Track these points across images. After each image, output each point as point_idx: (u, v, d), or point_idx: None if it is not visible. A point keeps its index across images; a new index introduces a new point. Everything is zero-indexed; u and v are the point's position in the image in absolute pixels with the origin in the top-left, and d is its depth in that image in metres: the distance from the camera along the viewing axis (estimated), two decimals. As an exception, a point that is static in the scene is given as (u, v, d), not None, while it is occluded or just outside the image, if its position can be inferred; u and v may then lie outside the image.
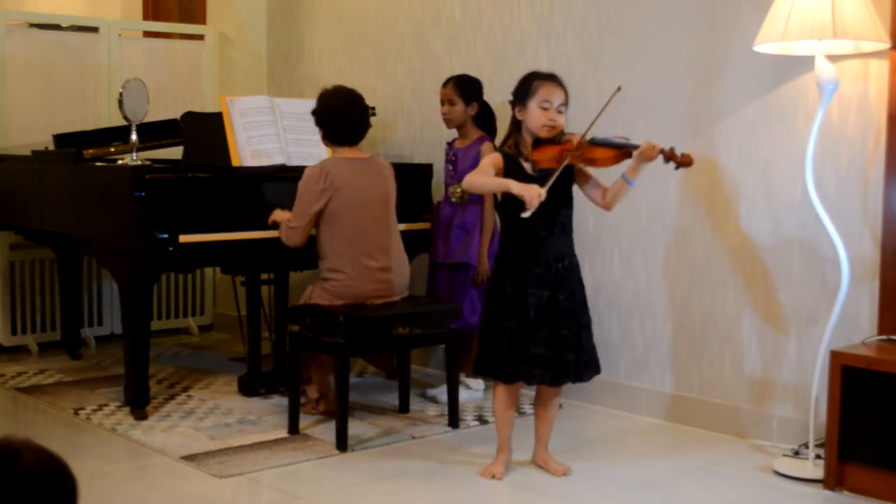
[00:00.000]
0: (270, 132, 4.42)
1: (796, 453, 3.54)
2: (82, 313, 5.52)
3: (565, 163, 3.19)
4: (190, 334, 5.96)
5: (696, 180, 3.98)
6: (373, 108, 4.40)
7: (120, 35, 5.62)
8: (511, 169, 3.30)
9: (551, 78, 3.32)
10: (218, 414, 4.14)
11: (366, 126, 3.98)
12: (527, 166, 3.30)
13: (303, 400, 4.02)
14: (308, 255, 4.01)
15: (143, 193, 3.91)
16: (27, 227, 4.96)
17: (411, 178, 4.65)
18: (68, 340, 5.31)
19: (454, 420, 3.98)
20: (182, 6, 6.75)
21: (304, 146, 4.47)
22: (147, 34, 6.03)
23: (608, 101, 3.21)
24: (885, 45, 3.37)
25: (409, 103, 5.19)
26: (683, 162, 3.17)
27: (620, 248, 4.27)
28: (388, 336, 3.91)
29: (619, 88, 3.24)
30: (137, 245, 3.90)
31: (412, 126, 5.18)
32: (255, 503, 3.33)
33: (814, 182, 3.40)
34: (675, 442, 3.89)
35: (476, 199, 4.33)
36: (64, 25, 5.89)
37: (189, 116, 4.42)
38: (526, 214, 3.12)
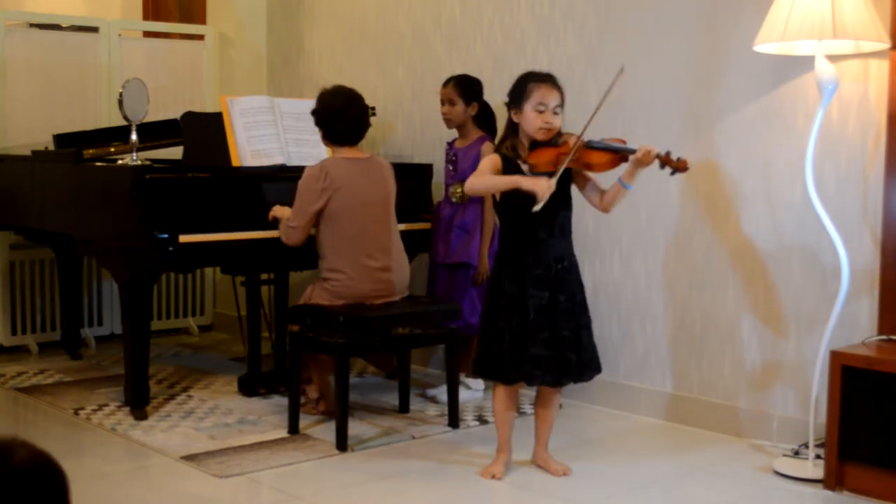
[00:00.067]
0: (270, 132, 4.42)
1: (796, 453, 3.54)
2: (82, 313, 5.52)
3: (562, 167, 3.19)
4: (190, 334, 5.96)
5: (696, 180, 3.98)
6: (373, 108, 4.40)
7: (120, 35, 5.62)
8: (509, 171, 3.29)
9: (546, 79, 3.31)
10: (218, 414, 4.14)
11: (365, 126, 3.98)
12: (525, 168, 3.30)
13: (303, 400, 4.02)
14: (308, 255, 4.01)
15: (143, 193, 3.91)
16: (27, 227, 4.96)
17: (411, 178, 4.65)
18: (68, 340, 5.31)
19: (454, 420, 3.98)
20: (182, 6, 6.75)
21: (304, 146, 4.47)
22: (147, 34, 6.03)
23: (612, 82, 3.20)
24: (885, 45, 3.37)
25: (409, 103, 5.19)
26: (679, 167, 3.18)
27: (620, 249, 4.27)
28: (388, 336, 3.91)
29: (622, 69, 3.22)
30: (137, 245, 3.91)
31: (412, 126, 5.18)
32: (255, 503, 3.33)
33: (814, 182, 3.40)
34: (674, 442, 3.89)
35: (476, 199, 4.32)
36: (64, 25, 5.90)
37: (189, 116, 4.42)
38: (537, 208, 3.13)
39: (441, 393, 4.25)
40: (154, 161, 4.52)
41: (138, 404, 4.07)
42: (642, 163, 3.20)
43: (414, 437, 3.85)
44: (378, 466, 3.52)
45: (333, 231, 3.85)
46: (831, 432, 3.28)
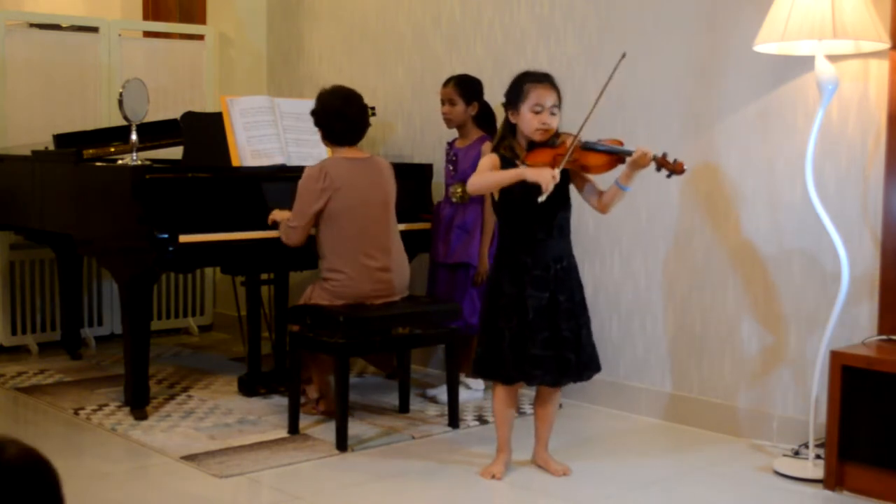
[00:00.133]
0: (270, 132, 4.42)
1: (796, 453, 3.54)
2: (82, 313, 5.52)
3: (559, 168, 3.19)
4: (190, 334, 5.96)
5: (696, 180, 3.98)
6: (373, 108, 4.40)
7: (120, 35, 5.62)
8: (508, 171, 3.30)
9: (542, 79, 3.30)
10: (218, 414, 4.14)
11: (365, 126, 3.98)
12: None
13: (303, 400, 4.02)
14: (308, 255, 4.01)
15: (143, 193, 3.91)
16: (27, 227, 4.96)
17: (411, 178, 4.65)
18: (68, 340, 5.31)
19: (454, 420, 3.98)
20: (182, 6, 6.76)
21: (304, 146, 4.47)
22: (147, 34, 6.03)
23: (614, 68, 3.20)
24: (885, 45, 3.37)
25: (409, 103, 5.19)
26: (675, 169, 3.18)
27: (620, 249, 4.27)
28: (388, 336, 3.91)
29: (623, 55, 3.22)
30: (137, 245, 3.91)
31: (412, 126, 5.18)
32: (255, 503, 3.33)
33: (814, 182, 3.40)
34: (674, 442, 3.89)
35: (476, 199, 4.32)
36: (64, 25, 5.90)
37: (189, 116, 4.43)
38: (542, 198, 3.12)
39: (441, 393, 4.25)
40: (154, 161, 4.52)
41: (138, 404, 4.07)
42: (639, 165, 3.20)
43: (414, 437, 3.85)
44: (378, 466, 3.52)
45: (333, 231, 3.85)
46: (831, 432, 3.28)
